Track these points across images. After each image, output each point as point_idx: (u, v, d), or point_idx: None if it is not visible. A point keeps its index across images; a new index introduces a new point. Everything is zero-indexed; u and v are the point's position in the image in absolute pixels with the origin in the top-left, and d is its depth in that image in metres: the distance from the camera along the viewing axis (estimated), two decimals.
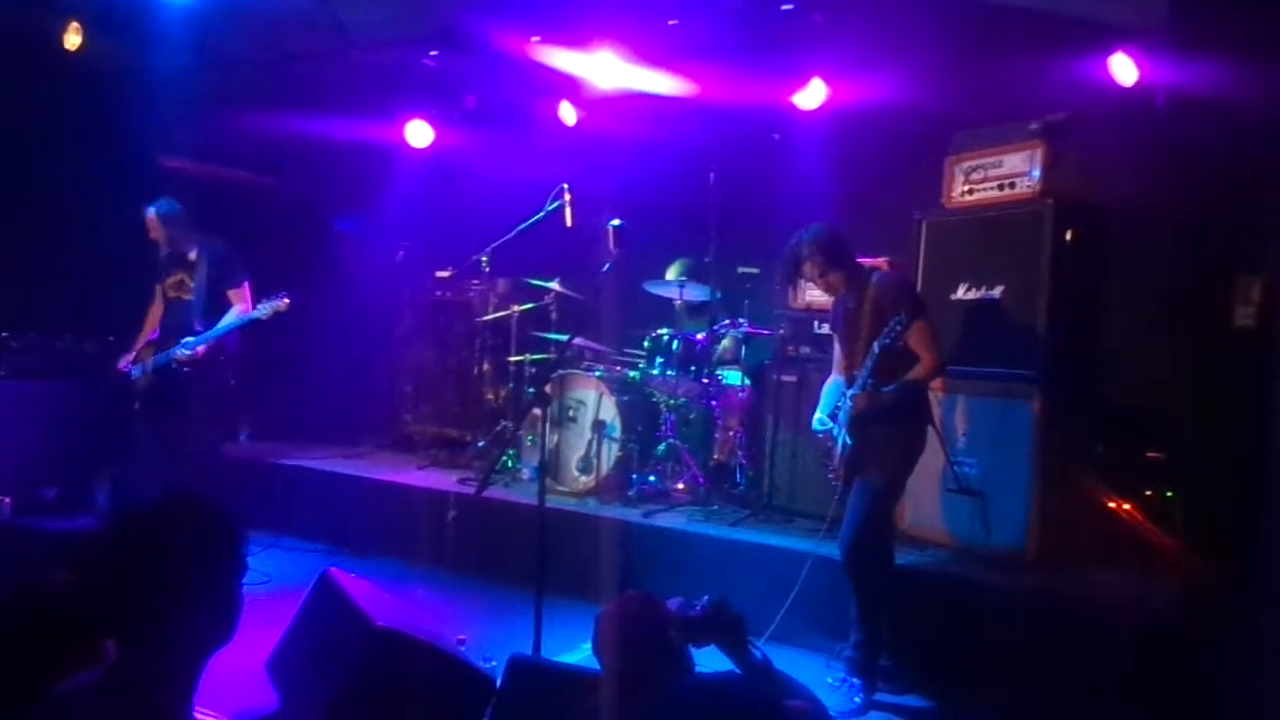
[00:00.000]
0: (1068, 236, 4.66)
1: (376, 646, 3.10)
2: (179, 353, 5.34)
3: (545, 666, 3.24)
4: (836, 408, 4.24)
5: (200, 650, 1.78)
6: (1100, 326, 5.03)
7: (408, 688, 3.05)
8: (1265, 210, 4.76)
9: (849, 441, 4.10)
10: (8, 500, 5.72)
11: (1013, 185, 4.88)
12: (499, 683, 3.07)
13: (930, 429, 4.29)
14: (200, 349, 5.33)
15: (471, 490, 5.94)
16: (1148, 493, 4.98)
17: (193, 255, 5.61)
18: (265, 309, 5.29)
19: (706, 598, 2.54)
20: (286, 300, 5.28)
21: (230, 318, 5.46)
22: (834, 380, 4.41)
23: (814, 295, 5.82)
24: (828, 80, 6.40)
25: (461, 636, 3.85)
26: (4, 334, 6.33)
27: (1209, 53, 4.57)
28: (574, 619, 4.79)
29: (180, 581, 1.72)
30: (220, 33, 7.05)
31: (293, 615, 3.69)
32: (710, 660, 2.62)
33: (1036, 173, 4.78)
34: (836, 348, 4.45)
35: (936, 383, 4.52)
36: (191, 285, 5.56)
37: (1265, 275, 4.82)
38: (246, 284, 5.59)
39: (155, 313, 5.80)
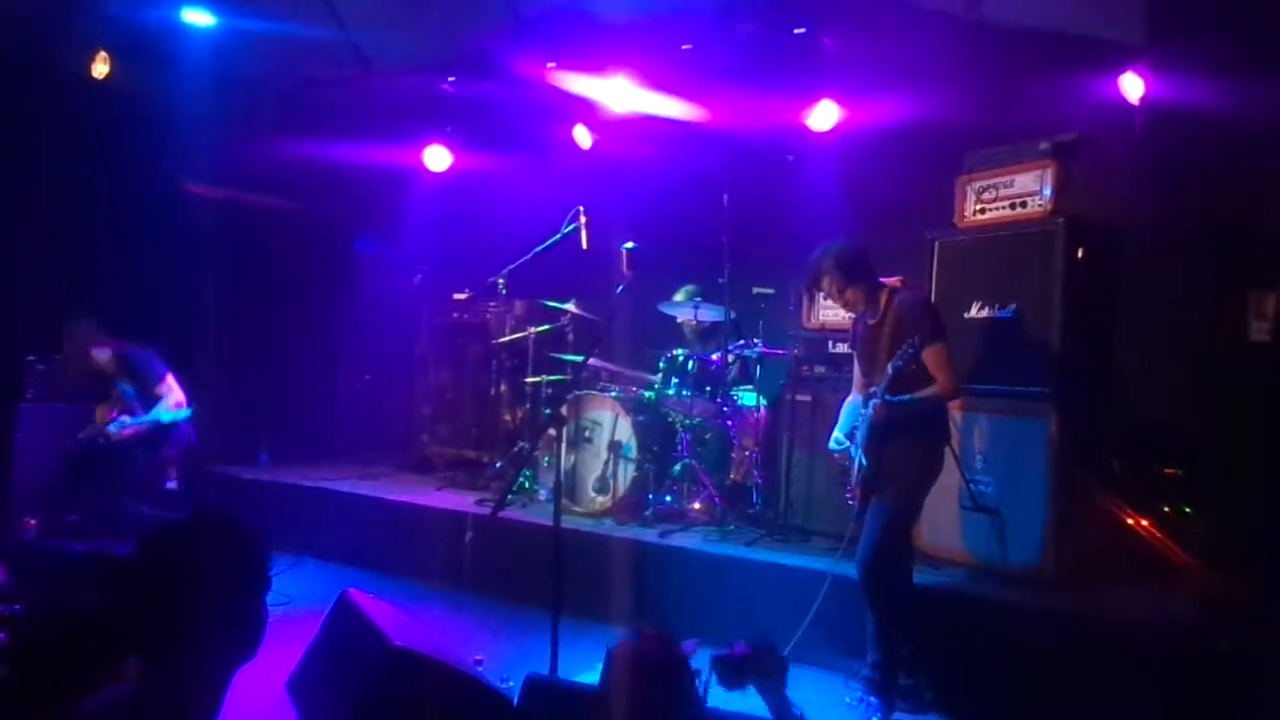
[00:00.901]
0: (1079, 254, 4.66)
1: (394, 666, 3.13)
2: (110, 430, 5.83)
3: (562, 686, 3.26)
4: (854, 428, 4.26)
5: (225, 666, 1.82)
6: (1114, 343, 5.03)
7: (425, 708, 3.08)
8: (1277, 224, 4.77)
9: (865, 461, 4.11)
10: (33, 522, 5.81)
11: (1024, 204, 4.90)
12: (516, 702, 3.09)
13: (947, 448, 4.30)
14: (126, 431, 5.85)
15: (488, 511, 5.98)
16: (1165, 509, 4.97)
17: (110, 368, 6.05)
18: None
19: (745, 640, 2.44)
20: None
21: (158, 409, 5.93)
22: (852, 399, 4.43)
23: (828, 315, 5.85)
24: (840, 102, 6.47)
25: (479, 657, 3.89)
26: (31, 358, 6.45)
27: (1198, 68, 4.59)
28: (590, 639, 4.81)
29: (206, 598, 1.76)
30: (243, 60, 7.21)
31: (313, 635, 3.74)
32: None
33: (1048, 192, 4.80)
34: (856, 366, 4.47)
35: (955, 402, 4.54)
36: (122, 393, 6.00)
37: (1278, 290, 4.81)
38: (169, 375, 6.03)
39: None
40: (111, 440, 5.81)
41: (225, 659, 1.82)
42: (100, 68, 6.93)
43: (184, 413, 5.84)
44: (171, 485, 5.93)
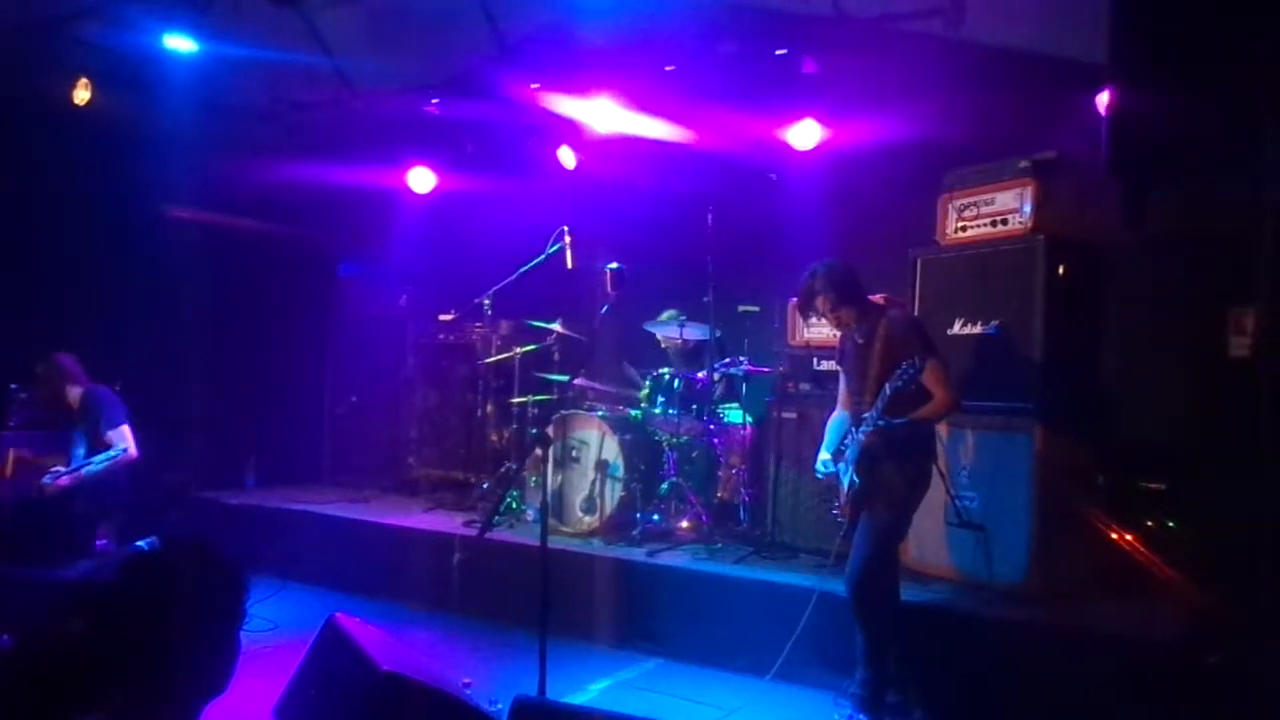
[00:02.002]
0: (1060, 271, 4.72)
1: (383, 691, 3.12)
2: (44, 481, 5.51)
3: (550, 707, 3.25)
4: (842, 446, 4.27)
5: (197, 697, 1.81)
6: (1097, 359, 5.07)
7: None
8: (1254, 242, 4.82)
9: (856, 480, 4.13)
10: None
11: (1005, 222, 4.96)
12: None
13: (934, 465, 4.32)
14: (62, 481, 5.51)
15: (476, 532, 5.96)
16: (1149, 523, 5.00)
17: (75, 406, 5.85)
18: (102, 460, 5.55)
19: None
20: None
21: (104, 458, 5.60)
22: (838, 416, 4.44)
23: (813, 333, 5.88)
24: (822, 121, 6.53)
25: (467, 679, 3.88)
26: (13, 385, 6.41)
27: (1162, 87, 4.63)
28: (578, 660, 4.82)
29: (184, 628, 1.75)
30: (225, 85, 7.21)
31: (299, 660, 3.72)
32: None
33: (1028, 209, 4.86)
34: (842, 383, 4.48)
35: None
36: (76, 434, 5.82)
37: (1257, 306, 4.87)
38: (125, 426, 5.76)
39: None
40: (45, 494, 5.47)
41: (198, 691, 1.80)
42: (82, 94, 6.92)
43: (114, 452, 5.47)
44: (102, 544, 5.56)
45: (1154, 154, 4.42)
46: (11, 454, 5.84)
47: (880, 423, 3.94)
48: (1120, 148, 4.20)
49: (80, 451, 5.67)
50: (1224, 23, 4.06)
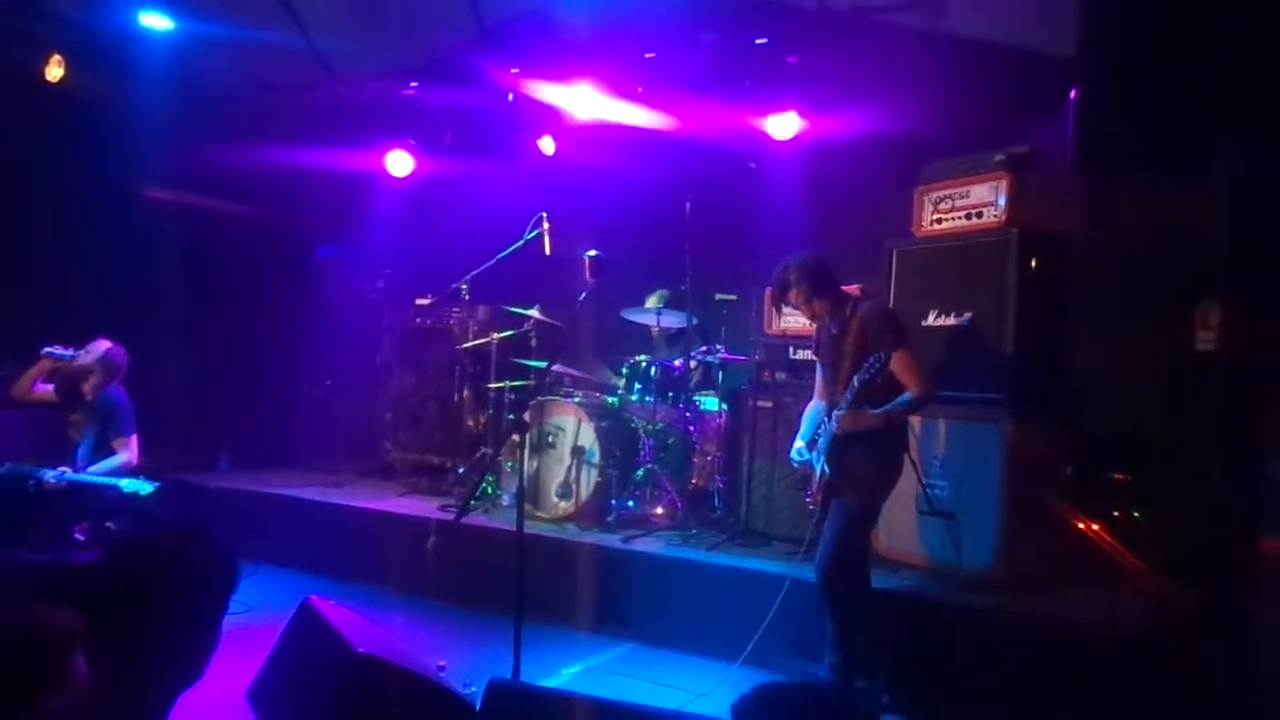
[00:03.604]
0: (1033, 264, 4.78)
1: (357, 673, 3.13)
2: (47, 477, 5.29)
3: (525, 690, 3.28)
4: (815, 435, 4.32)
5: (173, 685, 1.82)
6: (1068, 351, 5.14)
7: (389, 714, 3.09)
8: (1220, 236, 4.90)
9: (828, 469, 4.17)
10: None
11: (980, 214, 5.01)
12: (479, 707, 3.10)
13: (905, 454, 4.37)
14: (64, 485, 5.30)
15: (452, 517, 5.98)
16: (1115, 514, 5.10)
17: (90, 399, 5.63)
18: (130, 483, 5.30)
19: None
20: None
21: (109, 464, 5.47)
22: (814, 406, 4.49)
23: (790, 322, 5.92)
24: (801, 111, 6.55)
25: (441, 663, 3.89)
26: None
27: (1127, 84, 4.68)
28: (553, 644, 4.85)
29: (170, 611, 1.76)
30: (201, 64, 7.14)
31: (274, 643, 3.72)
32: None
33: (1002, 202, 4.91)
34: (818, 373, 4.52)
35: None
36: (84, 429, 5.62)
37: (1224, 300, 4.95)
38: (134, 436, 5.62)
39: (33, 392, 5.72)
40: (44, 488, 5.29)
41: (176, 677, 1.81)
42: (54, 70, 6.82)
43: (147, 487, 5.23)
44: (79, 537, 5.29)
45: (1118, 149, 4.48)
46: (37, 389, 5.64)
47: (854, 408, 3.96)
48: (1086, 142, 4.25)
49: (85, 450, 5.53)
50: (1188, 21, 4.12)
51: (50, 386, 5.68)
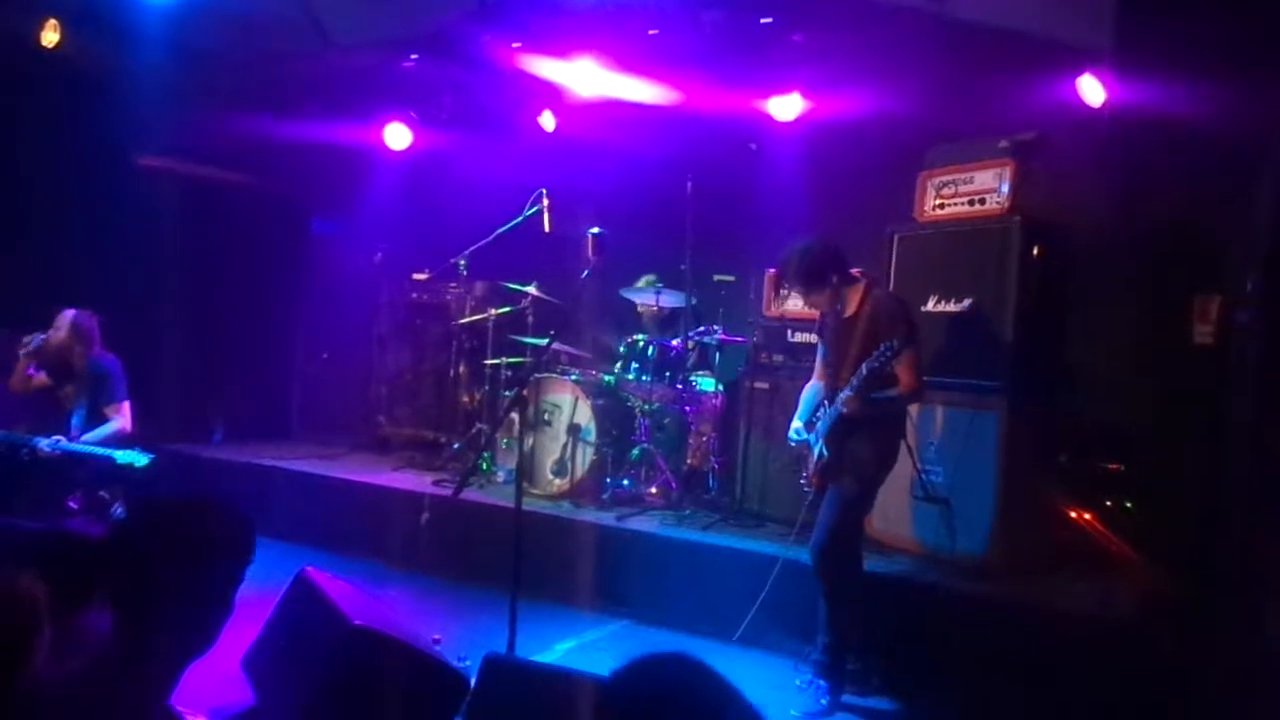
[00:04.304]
0: (1035, 252, 4.77)
1: (353, 645, 3.14)
2: (41, 445, 5.27)
3: (520, 665, 3.29)
4: (814, 418, 4.32)
5: (186, 653, 1.82)
6: (1065, 340, 5.15)
7: (383, 686, 3.10)
8: (1222, 230, 4.91)
9: (825, 452, 4.18)
10: None
11: (982, 201, 4.99)
12: (474, 681, 3.12)
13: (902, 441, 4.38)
14: (58, 454, 5.28)
15: (446, 492, 5.98)
16: (1108, 503, 5.12)
17: (79, 368, 5.58)
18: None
19: None
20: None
21: (102, 432, 5.44)
22: (812, 386, 4.48)
23: (789, 305, 5.91)
24: (804, 93, 6.51)
25: (436, 636, 3.89)
26: None
27: (1157, 75, 4.70)
28: (547, 620, 4.87)
29: (189, 580, 1.76)
30: (199, 32, 7.05)
31: (269, 613, 3.73)
32: None
33: (1005, 189, 4.89)
34: (819, 354, 4.51)
35: None
36: (75, 398, 5.55)
37: (1222, 294, 4.96)
38: (127, 403, 5.59)
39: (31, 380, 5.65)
40: (38, 456, 5.26)
41: (190, 644, 1.82)
42: (50, 35, 6.73)
43: (142, 459, 5.20)
44: (73, 505, 5.31)
45: (1153, 145, 4.47)
46: (32, 376, 5.57)
47: (860, 393, 3.95)
48: (1120, 137, 4.24)
49: (78, 419, 5.48)
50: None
51: (42, 373, 5.62)
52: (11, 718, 1.71)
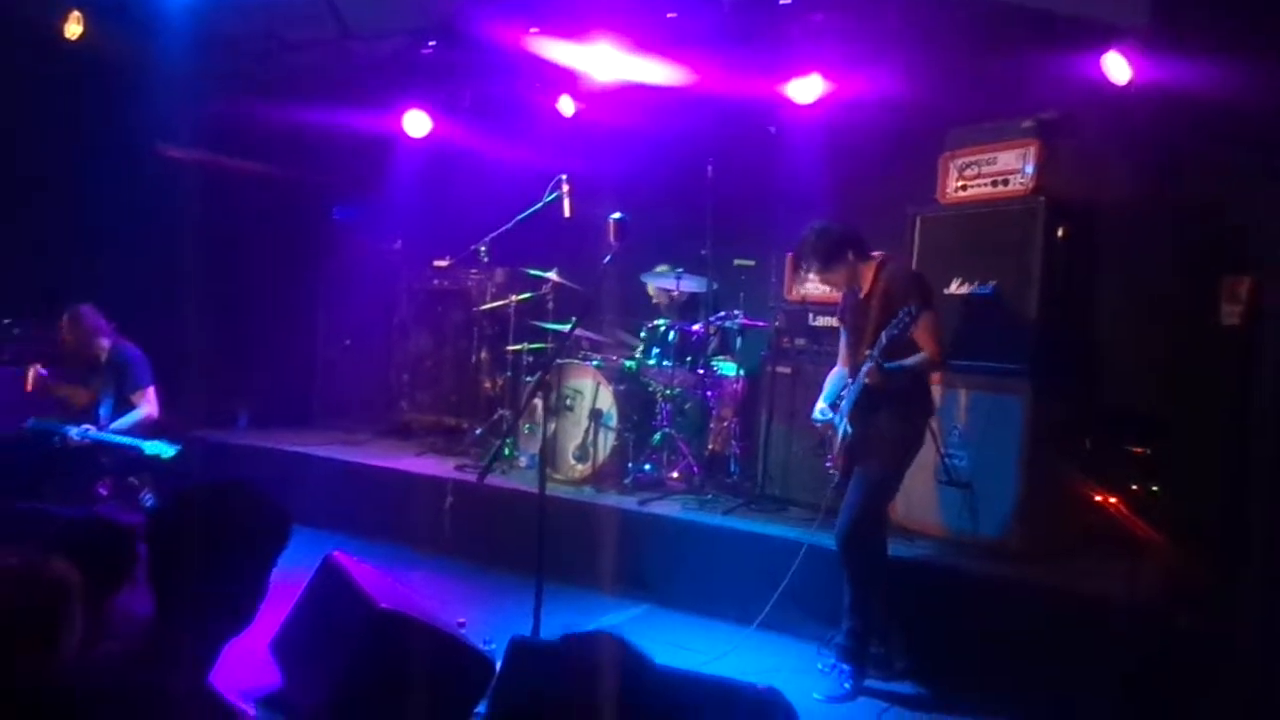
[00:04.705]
0: (1059, 233, 4.72)
1: (380, 628, 3.18)
2: (71, 433, 5.36)
3: (545, 648, 3.30)
4: (839, 398, 4.31)
5: (223, 634, 1.85)
6: (1091, 323, 5.11)
7: (410, 668, 3.13)
8: (1252, 210, 4.84)
9: (849, 430, 4.17)
10: None
11: (1006, 182, 4.95)
12: (500, 664, 3.14)
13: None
14: (86, 442, 5.37)
15: (469, 477, 6.01)
16: (1133, 487, 5.08)
17: (102, 360, 5.69)
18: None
19: None
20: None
21: (130, 420, 5.53)
22: (838, 371, 4.48)
23: (810, 289, 5.90)
24: (825, 74, 6.46)
25: (461, 620, 3.93)
26: (5, 320, 6.38)
27: (1194, 52, 4.63)
28: (569, 604, 4.89)
29: (226, 563, 1.79)
30: (219, 22, 7.08)
31: (296, 597, 3.77)
32: None
33: (1030, 170, 4.84)
34: (842, 339, 4.51)
35: (934, 376, 4.60)
36: (101, 390, 5.67)
37: (1252, 275, 4.90)
38: (152, 388, 5.66)
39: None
40: (68, 445, 5.36)
41: (227, 625, 1.85)
42: (73, 27, 6.79)
43: (170, 450, 5.28)
44: (103, 491, 5.42)
45: (1183, 123, 4.40)
46: (33, 370, 5.67)
47: (879, 361, 3.94)
48: (1148, 115, 4.18)
49: (106, 409, 5.58)
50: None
51: (74, 385, 5.73)
52: (49, 699, 1.74)
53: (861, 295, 4.26)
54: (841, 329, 4.53)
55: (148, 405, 5.60)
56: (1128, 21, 4.71)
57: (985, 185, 5.04)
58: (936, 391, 4.74)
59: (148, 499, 5.46)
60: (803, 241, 4.32)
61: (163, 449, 5.26)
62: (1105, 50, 5.31)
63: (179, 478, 5.27)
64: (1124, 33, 4.93)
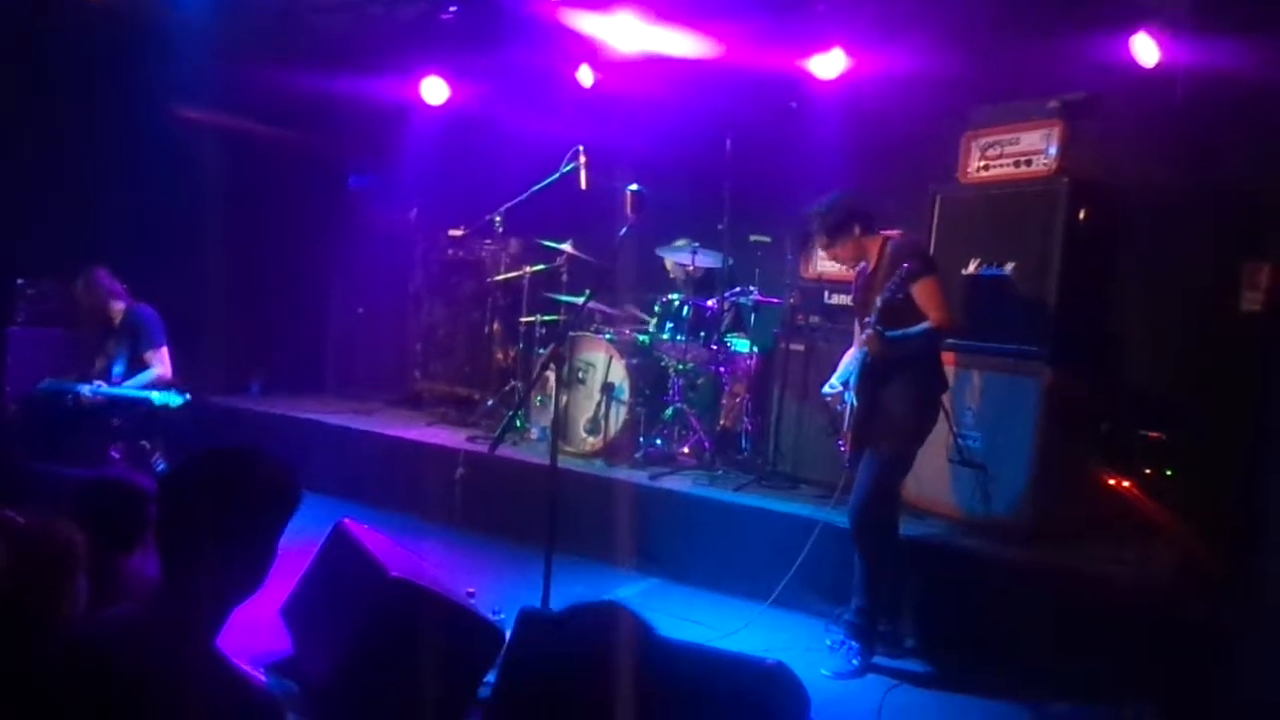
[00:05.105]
0: (1081, 216, 4.66)
1: (390, 596, 3.19)
2: (83, 391, 5.43)
3: (555, 619, 3.31)
4: (850, 376, 4.28)
5: (232, 598, 1.86)
6: (1110, 306, 5.06)
7: (421, 636, 3.14)
8: (1275, 196, 4.77)
9: (854, 401, 4.15)
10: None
11: (1029, 163, 4.88)
12: (510, 634, 3.15)
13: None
14: (99, 399, 5.43)
15: (480, 448, 6.02)
16: (1148, 471, 5.05)
17: (117, 321, 5.76)
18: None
19: None
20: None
21: (142, 379, 5.58)
22: (854, 352, 4.45)
23: (825, 266, 5.86)
24: (847, 50, 6.38)
25: (471, 590, 3.94)
26: (21, 281, 6.40)
27: (1230, 33, 4.54)
28: (579, 576, 4.91)
29: (236, 527, 1.79)
30: None
31: (306, 564, 3.78)
32: None
33: (1053, 151, 4.78)
34: (858, 320, 4.49)
35: (948, 357, 4.57)
36: (116, 349, 5.73)
37: (1274, 261, 4.84)
38: (165, 349, 5.71)
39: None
40: (81, 403, 5.43)
41: (235, 590, 1.85)
42: None
43: (177, 399, 5.34)
44: (115, 455, 5.49)
45: (1210, 106, 4.33)
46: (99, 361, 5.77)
47: (878, 328, 3.92)
48: (1174, 98, 4.11)
49: (119, 369, 5.64)
50: None
51: (121, 305, 5.79)
52: (58, 658, 1.75)
53: (869, 270, 4.25)
54: (855, 307, 4.51)
55: (160, 365, 5.66)
56: (1162, 2, 4.61)
57: (1008, 165, 4.98)
58: (951, 371, 4.71)
59: (159, 463, 5.50)
60: (812, 213, 4.30)
61: (170, 398, 5.35)
62: (1134, 31, 5.23)
63: (191, 442, 5.29)
64: (1158, 13, 4.83)
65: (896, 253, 4.10)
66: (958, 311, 4.17)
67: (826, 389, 4.39)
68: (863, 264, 4.33)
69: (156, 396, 5.32)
